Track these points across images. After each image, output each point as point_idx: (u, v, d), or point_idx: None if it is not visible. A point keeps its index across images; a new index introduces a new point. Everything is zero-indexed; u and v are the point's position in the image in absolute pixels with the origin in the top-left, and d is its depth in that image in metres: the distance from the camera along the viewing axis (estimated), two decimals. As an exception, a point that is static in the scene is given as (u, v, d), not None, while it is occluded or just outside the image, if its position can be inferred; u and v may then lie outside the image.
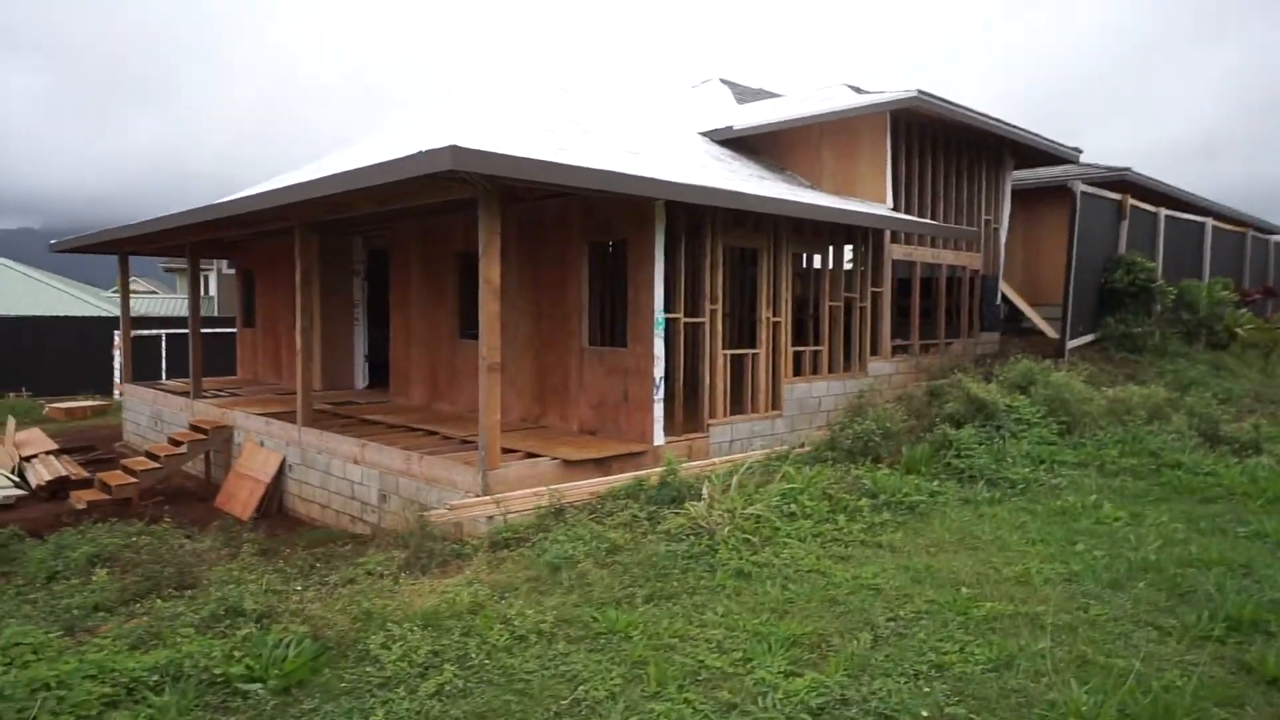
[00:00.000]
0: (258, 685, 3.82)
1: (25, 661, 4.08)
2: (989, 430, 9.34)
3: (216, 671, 3.88)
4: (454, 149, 6.87)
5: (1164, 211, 17.05)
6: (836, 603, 4.92)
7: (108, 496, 11.37)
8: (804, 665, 4.05)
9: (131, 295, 15.62)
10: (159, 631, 4.54)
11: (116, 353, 21.84)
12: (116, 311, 23.22)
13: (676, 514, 6.34)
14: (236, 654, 4.05)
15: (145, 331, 23.13)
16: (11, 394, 22.64)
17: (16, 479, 13.09)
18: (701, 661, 4.09)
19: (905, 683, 3.88)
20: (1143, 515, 6.99)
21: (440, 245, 12.61)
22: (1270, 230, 25.20)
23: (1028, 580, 5.35)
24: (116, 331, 21.01)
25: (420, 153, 7.12)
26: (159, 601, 5.33)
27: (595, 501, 7.33)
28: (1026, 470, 8.30)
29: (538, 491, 7.41)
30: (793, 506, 6.66)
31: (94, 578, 6.43)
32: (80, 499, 11.35)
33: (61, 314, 25.91)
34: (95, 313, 28.77)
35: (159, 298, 41.35)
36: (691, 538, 5.84)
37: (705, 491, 6.87)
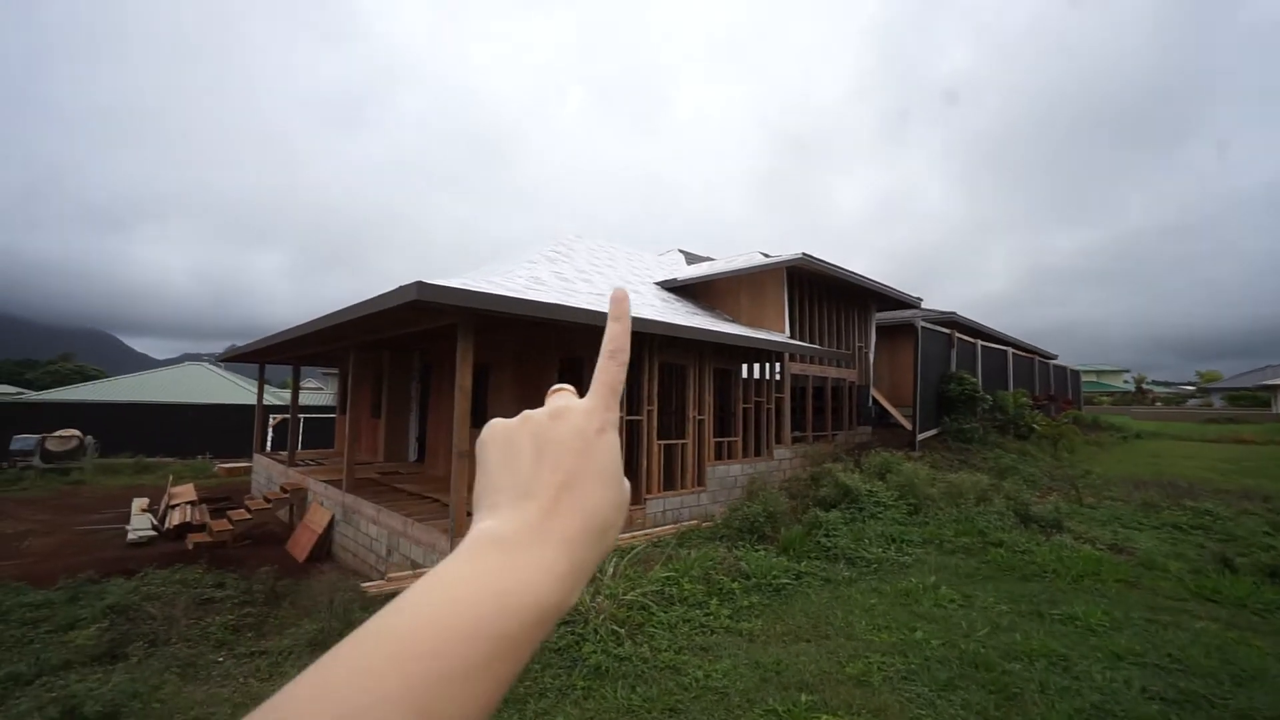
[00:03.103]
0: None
1: None
2: (853, 512, 7.59)
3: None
4: (419, 284, 5.70)
5: (980, 342, 16.28)
6: (677, 712, 3.24)
7: (210, 539, 9.82)
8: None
9: (294, 390, 14.59)
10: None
11: (270, 430, 20.60)
12: (275, 402, 22.23)
13: (568, 596, 4.57)
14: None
15: (288, 416, 22.00)
16: (199, 456, 21.35)
17: (156, 523, 11.52)
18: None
19: None
20: (973, 597, 5.21)
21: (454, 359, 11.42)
22: (1049, 357, 24.91)
23: (868, 679, 3.64)
24: (272, 416, 20.04)
25: (397, 288, 5.95)
26: (72, 677, 3.73)
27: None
28: (880, 550, 6.48)
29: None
30: (673, 589, 4.92)
31: (79, 634, 4.83)
32: (191, 540, 9.79)
33: (238, 403, 24.73)
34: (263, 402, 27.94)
35: (316, 391, 39.83)
36: (565, 626, 4.09)
37: (610, 569, 5.24)
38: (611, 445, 0.37)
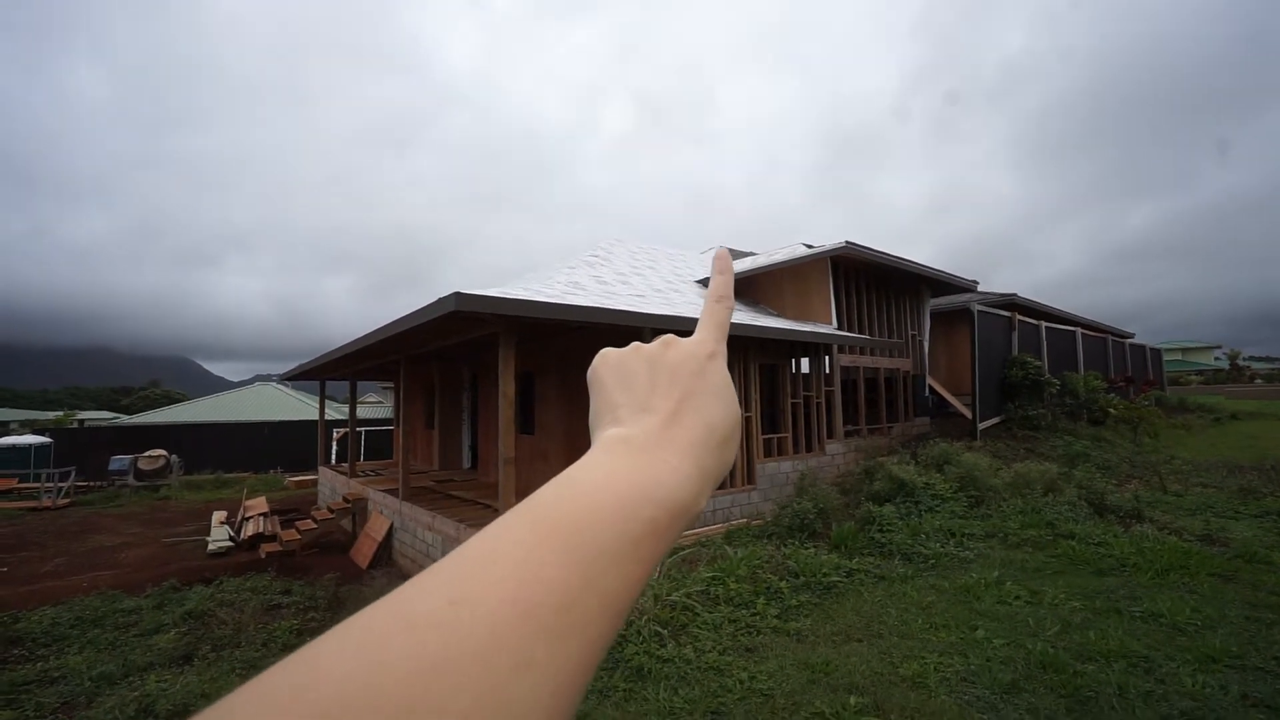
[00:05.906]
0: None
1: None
2: (909, 506, 7.23)
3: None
4: (457, 294, 5.83)
5: (1045, 324, 15.31)
6: (720, 715, 3.15)
7: (280, 549, 10.38)
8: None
9: (351, 404, 15.36)
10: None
11: (334, 443, 21.66)
12: (339, 416, 23.37)
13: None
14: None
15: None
16: (271, 470, 22.67)
17: (233, 534, 12.26)
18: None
19: None
20: (1041, 593, 4.85)
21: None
22: (1124, 336, 23.26)
23: (924, 681, 3.45)
24: (335, 429, 21.10)
25: (437, 300, 6.11)
26: (151, 678, 3.99)
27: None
28: (938, 545, 6.11)
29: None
30: (718, 589, 4.80)
31: (161, 637, 5.18)
32: (264, 550, 10.36)
33: (304, 419, 26.11)
34: (328, 417, 29.48)
35: (377, 405, 41.50)
36: (608, 627, 4.05)
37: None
38: (722, 369, 0.39)
